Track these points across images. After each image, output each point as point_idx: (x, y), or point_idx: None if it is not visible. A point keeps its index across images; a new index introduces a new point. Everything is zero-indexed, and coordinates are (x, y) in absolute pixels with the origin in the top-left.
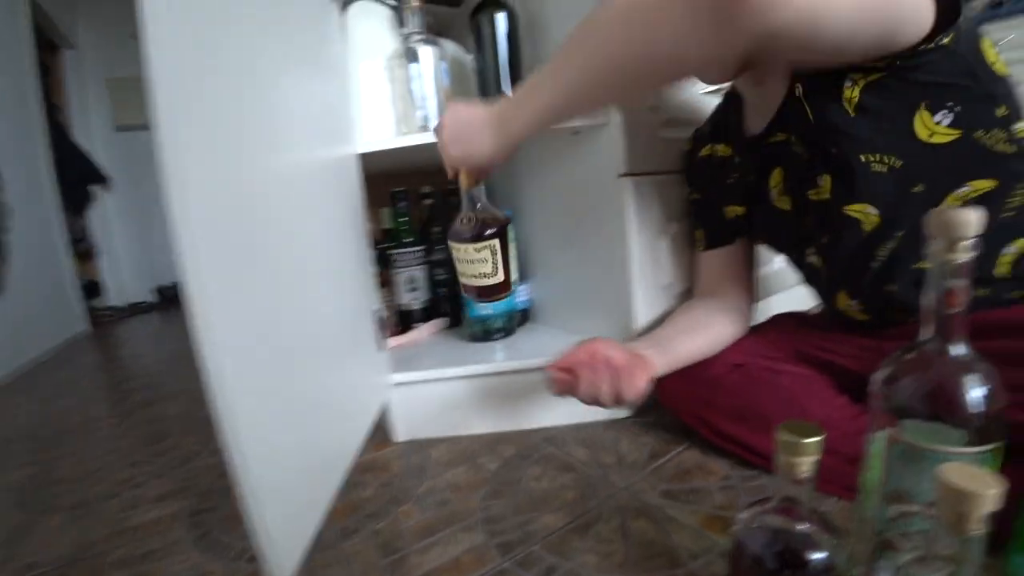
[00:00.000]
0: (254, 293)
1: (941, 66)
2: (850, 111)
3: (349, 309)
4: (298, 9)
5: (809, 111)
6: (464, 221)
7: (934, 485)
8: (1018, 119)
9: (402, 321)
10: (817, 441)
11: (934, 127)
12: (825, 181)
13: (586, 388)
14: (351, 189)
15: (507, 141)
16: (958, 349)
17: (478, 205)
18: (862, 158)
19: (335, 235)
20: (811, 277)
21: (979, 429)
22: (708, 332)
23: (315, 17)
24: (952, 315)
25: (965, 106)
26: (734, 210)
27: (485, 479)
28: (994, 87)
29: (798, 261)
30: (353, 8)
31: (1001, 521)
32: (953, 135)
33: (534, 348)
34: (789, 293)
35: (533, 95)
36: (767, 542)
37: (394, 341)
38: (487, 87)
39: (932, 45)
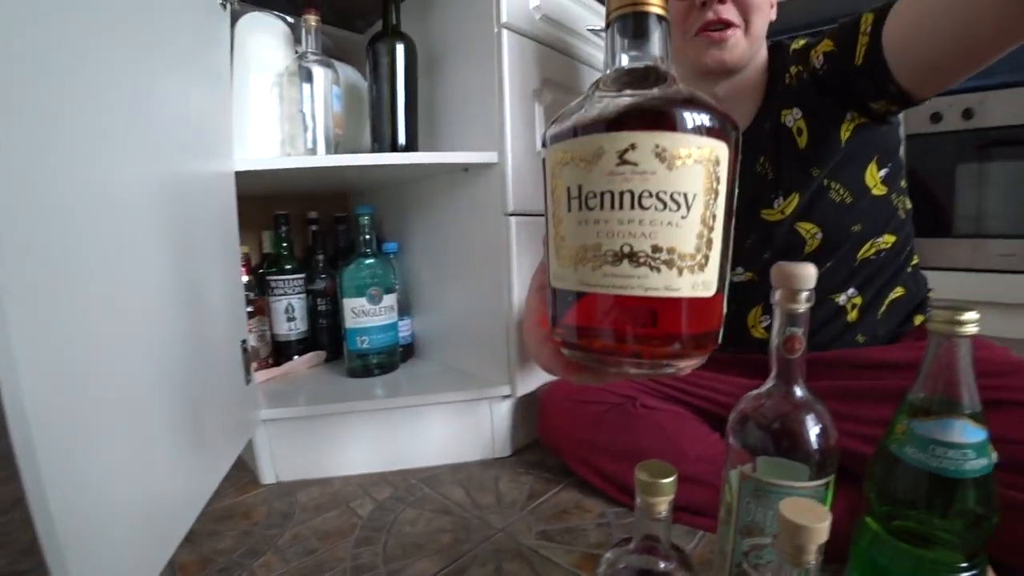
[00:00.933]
0: (78, 319)
1: (894, 131)
2: (842, 144)
3: (210, 338)
4: (178, 12)
5: (808, 136)
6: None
7: (777, 520)
8: (907, 194)
9: (277, 352)
10: (672, 480)
11: (877, 179)
12: (792, 200)
13: None
14: (224, 209)
15: None
16: (798, 390)
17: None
18: (826, 182)
19: (199, 256)
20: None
21: (817, 463)
22: None
23: (198, 22)
24: (792, 360)
25: (892, 169)
26: None
27: (356, 524)
28: (901, 159)
29: None
30: (246, 18)
31: (841, 541)
32: (883, 191)
33: (416, 384)
34: None
35: None
36: None
37: (264, 374)
38: (381, 118)
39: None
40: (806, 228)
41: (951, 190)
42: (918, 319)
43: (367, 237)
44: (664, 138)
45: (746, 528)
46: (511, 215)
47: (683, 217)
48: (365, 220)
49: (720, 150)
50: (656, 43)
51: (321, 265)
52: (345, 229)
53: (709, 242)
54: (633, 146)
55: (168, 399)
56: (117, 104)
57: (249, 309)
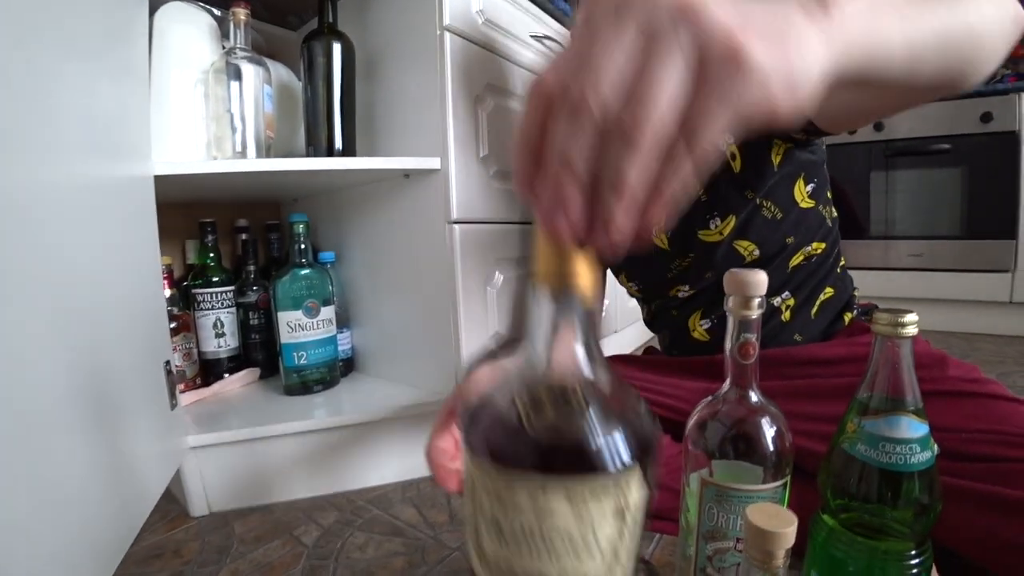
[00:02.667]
0: None
1: (817, 149)
2: (775, 166)
3: (128, 360)
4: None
5: (739, 160)
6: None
7: (743, 525)
8: (832, 203)
9: (206, 372)
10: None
11: (805, 194)
12: (729, 221)
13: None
14: (142, 216)
15: (843, 53)
16: (753, 395)
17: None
18: (759, 202)
19: (115, 269)
20: (665, 306)
21: (773, 465)
22: None
23: (108, 8)
24: (747, 365)
25: (818, 183)
26: None
27: (301, 554)
28: (826, 173)
29: (658, 293)
30: (166, 8)
31: (798, 537)
32: (811, 204)
33: (357, 401)
34: (612, 338)
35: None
36: None
37: (191, 396)
38: (316, 119)
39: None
40: (743, 245)
41: (866, 195)
42: (847, 317)
43: (302, 246)
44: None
45: (709, 533)
46: (455, 223)
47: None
48: (300, 228)
49: (630, 482)
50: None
51: (252, 276)
52: (278, 238)
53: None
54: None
55: (80, 430)
56: (15, 98)
57: (173, 326)
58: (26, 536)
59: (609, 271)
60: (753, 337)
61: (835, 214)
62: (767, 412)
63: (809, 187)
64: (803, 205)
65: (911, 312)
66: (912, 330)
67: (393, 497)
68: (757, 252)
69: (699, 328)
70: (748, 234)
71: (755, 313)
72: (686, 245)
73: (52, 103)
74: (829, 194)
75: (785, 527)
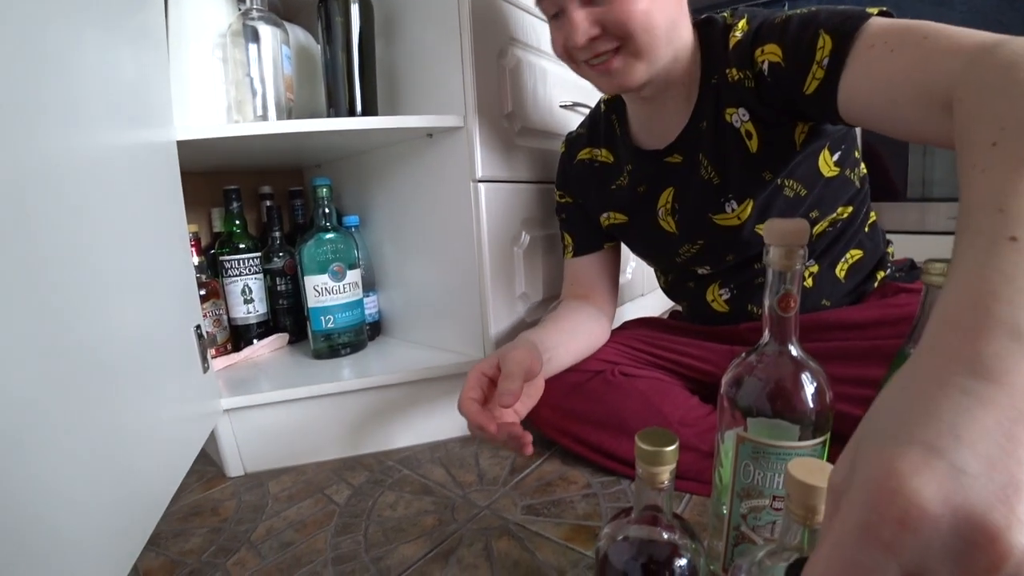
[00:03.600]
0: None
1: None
2: (797, 147)
3: (160, 325)
4: None
5: (758, 141)
6: None
7: (784, 481)
8: (861, 160)
9: (236, 337)
10: (674, 449)
11: (831, 164)
12: (746, 206)
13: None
14: (167, 182)
15: None
16: (793, 349)
17: None
18: (780, 182)
19: (143, 236)
20: (681, 279)
21: (813, 423)
22: (584, 337)
23: None
24: (787, 318)
25: (844, 149)
26: (614, 217)
27: (333, 512)
28: (854, 133)
29: (671, 269)
30: None
31: None
32: (836, 171)
33: (385, 364)
34: (636, 303)
35: None
36: (633, 554)
37: (222, 361)
38: (336, 81)
39: None
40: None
41: (902, 156)
42: (879, 275)
43: (326, 210)
44: None
45: (744, 491)
46: (479, 181)
47: None
48: (323, 192)
49: None
50: None
51: (278, 242)
52: (302, 203)
53: None
54: None
55: (116, 393)
56: (39, 69)
57: (202, 293)
58: (75, 494)
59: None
60: (794, 289)
61: (863, 172)
62: (807, 368)
63: (836, 155)
64: (828, 175)
65: None
66: None
67: (422, 457)
68: None
69: (718, 299)
70: (769, 215)
71: (798, 264)
72: (696, 230)
73: (73, 73)
74: (857, 153)
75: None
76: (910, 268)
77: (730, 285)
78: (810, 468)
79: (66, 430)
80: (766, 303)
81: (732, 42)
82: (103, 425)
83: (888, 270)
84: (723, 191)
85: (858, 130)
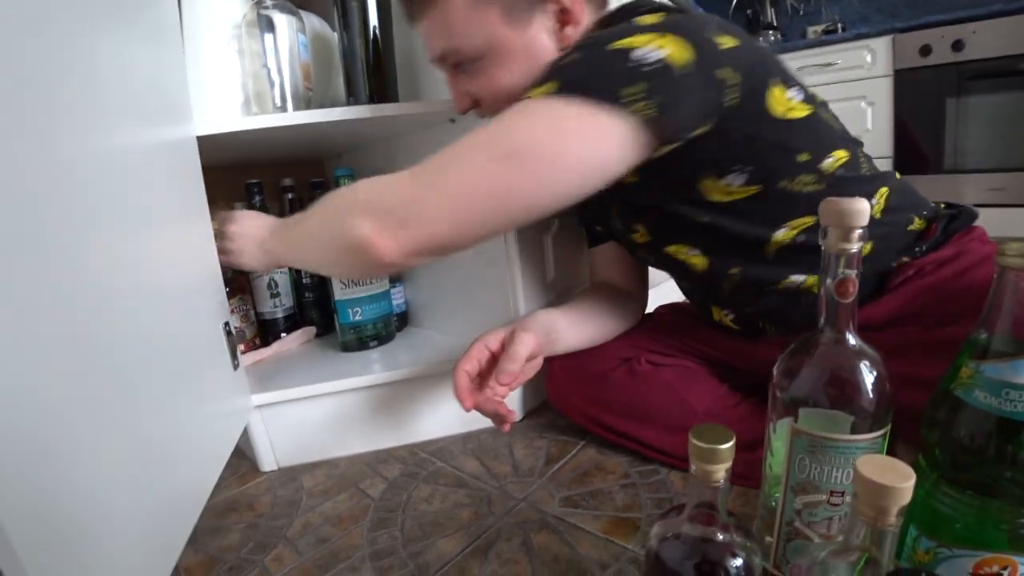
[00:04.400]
0: (38, 314)
1: (709, 144)
2: (633, 179)
3: (190, 323)
4: None
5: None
6: None
7: (853, 479)
8: (825, 156)
9: (264, 332)
10: (730, 446)
11: (726, 188)
12: (640, 228)
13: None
14: (189, 178)
15: (270, 263)
16: (851, 337)
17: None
18: (665, 208)
19: (168, 234)
20: (681, 287)
21: (873, 413)
22: (595, 322)
23: None
24: (845, 304)
25: (757, 163)
26: (601, 228)
27: (369, 506)
28: (788, 137)
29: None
30: None
31: None
32: (752, 190)
33: (414, 355)
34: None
35: (290, 239)
36: (686, 553)
37: (251, 357)
38: (354, 68)
39: (676, 144)
40: (676, 250)
41: (936, 126)
42: (918, 224)
43: None
44: None
45: (799, 485)
46: None
47: None
48: (345, 183)
49: None
50: None
51: None
52: (323, 195)
53: None
54: None
55: (149, 393)
56: (54, 71)
57: (227, 289)
58: (114, 498)
59: None
60: (853, 273)
61: (830, 169)
62: (866, 356)
63: (732, 178)
64: (732, 198)
65: None
66: None
67: (455, 449)
68: (698, 254)
69: (725, 319)
70: (675, 239)
71: (855, 246)
72: (633, 247)
73: (91, 73)
74: (803, 158)
75: (902, 481)
76: (947, 224)
77: (727, 309)
78: (881, 466)
79: (102, 433)
80: (822, 288)
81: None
82: (138, 427)
83: (917, 250)
84: (631, 210)
85: (883, 86)
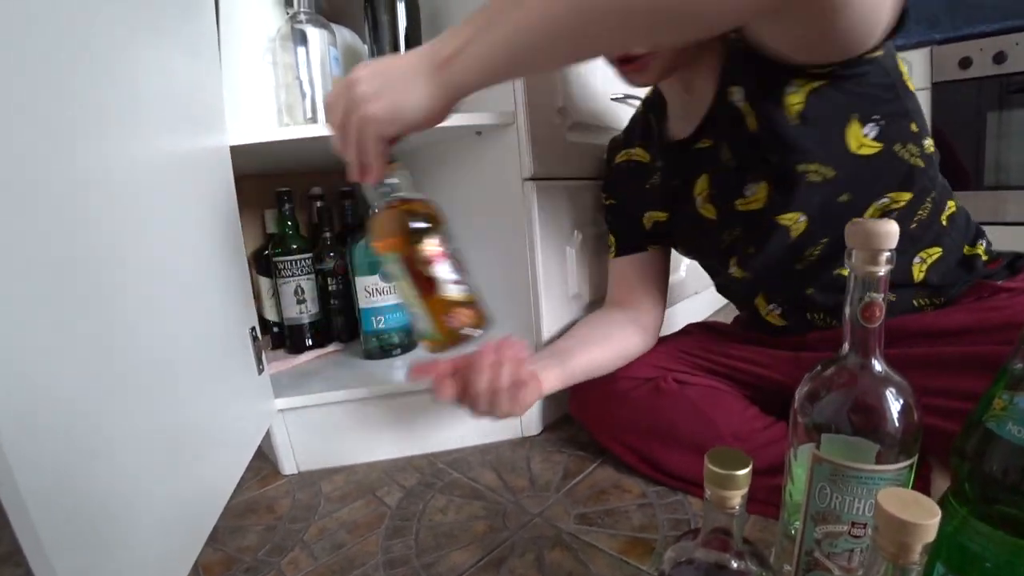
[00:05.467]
0: (77, 313)
1: (872, 78)
2: (793, 119)
3: (218, 327)
4: None
5: (755, 118)
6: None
7: (875, 513)
8: (926, 135)
9: (290, 336)
10: (747, 472)
11: (863, 139)
12: (760, 190)
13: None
14: (221, 187)
15: (450, 92)
16: (877, 363)
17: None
18: (799, 168)
19: (200, 240)
20: (729, 285)
21: (899, 442)
22: (611, 344)
23: None
24: (871, 329)
25: (888, 119)
26: (654, 216)
27: (385, 514)
28: (908, 102)
29: (717, 269)
30: None
31: None
32: (876, 147)
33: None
34: (692, 301)
35: (483, 36)
36: None
37: (276, 366)
38: None
39: (873, 54)
40: (787, 218)
41: (977, 140)
42: (967, 280)
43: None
44: None
45: (819, 515)
46: (530, 179)
47: None
48: None
49: None
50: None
51: (329, 243)
52: (352, 204)
53: None
54: None
55: (177, 393)
56: (99, 81)
57: None
58: (141, 494)
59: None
60: (880, 297)
61: (929, 150)
62: (892, 383)
63: (869, 128)
64: (863, 152)
65: None
66: None
67: (472, 460)
68: (804, 219)
69: (772, 314)
70: (790, 202)
71: (882, 269)
72: (730, 216)
73: (134, 82)
74: (914, 126)
75: (927, 518)
76: (1012, 261)
77: (777, 300)
78: (904, 500)
79: (130, 431)
80: (847, 311)
81: None
82: (165, 425)
83: (980, 266)
84: (741, 175)
85: (922, 99)
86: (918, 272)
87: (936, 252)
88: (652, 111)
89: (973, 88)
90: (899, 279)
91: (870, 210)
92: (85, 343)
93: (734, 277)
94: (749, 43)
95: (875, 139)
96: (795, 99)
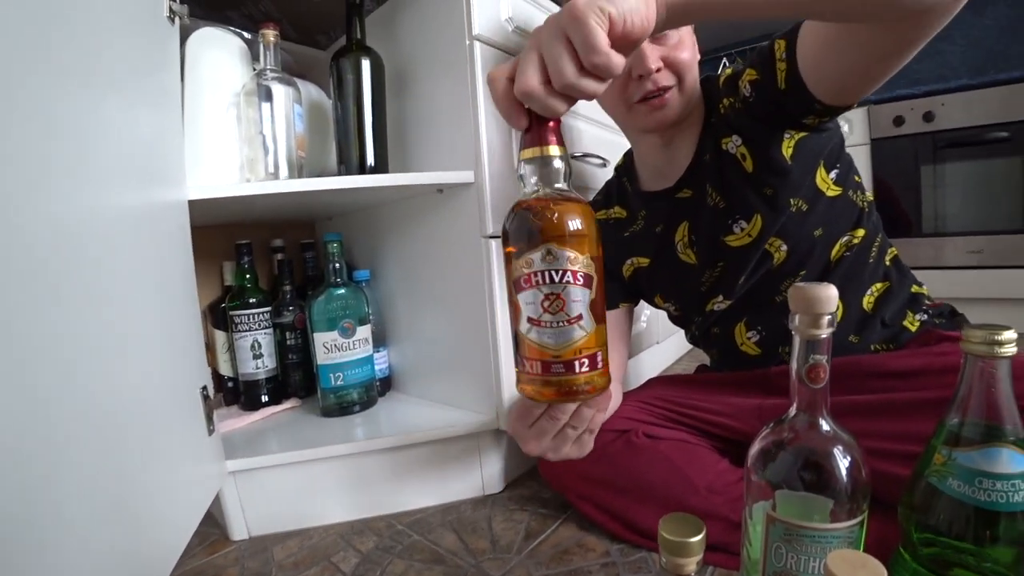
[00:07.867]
0: (17, 370)
1: (833, 135)
2: (787, 160)
3: (166, 385)
4: (119, 27)
5: (752, 160)
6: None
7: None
8: (864, 186)
9: (245, 392)
10: (701, 539)
11: (829, 182)
12: (755, 221)
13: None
14: (177, 242)
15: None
16: (824, 422)
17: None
18: (779, 198)
19: (151, 295)
20: (705, 324)
21: (848, 499)
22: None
23: (143, 38)
24: (816, 390)
25: (842, 168)
26: (637, 262)
27: None
28: (849, 157)
29: (693, 313)
30: (198, 34)
31: None
32: (838, 191)
33: (395, 423)
34: (654, 351)
35: None
36: None
37: (229, 424)
38: (347, 138)
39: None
40: (773, 244)
41: (915, 191)
42: (912, 319)
43: (336, 265)
44: None
45: (777, 574)
46: (490, 237)
47: None
48: (334, 248)
49: None
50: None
51: (288, 296)
52: (313, 257)
53: None
54: None
55: (121, 453)
56: (56, 131)
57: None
58: (80, 558)
59: (643, 299)
60: (823, 359)
61: (869, 198)
62: (840, 441)
63: (832, 174)
64: (829, 194)
65: (1009, 329)
66: (1011, 349)
67: (433, 521)
68: (785, 248)
69: (748, 342)
70: (774, 229)
71: (825, 332)
72: (714, 255)
73: (91, 134)
74: (857, 178)
75: None
76: (951, 315)
77: (757, 327)
78: (852, 563)
79: (74, 490)
80: (793, 369)
81: (722, 79)
82: (108, 491)
83: (926, 314)
84: (730, 214)
85: (862, 154)
86: (868, 302)
87: (884, 285)
88: (625, 175)
89: (908, 144)
90: (855, 315)
91: (837, 246)
92: (23, 394)
93: (714, 311)
94: (771, 92)
95: (835, 183)
96: (787, 147)
